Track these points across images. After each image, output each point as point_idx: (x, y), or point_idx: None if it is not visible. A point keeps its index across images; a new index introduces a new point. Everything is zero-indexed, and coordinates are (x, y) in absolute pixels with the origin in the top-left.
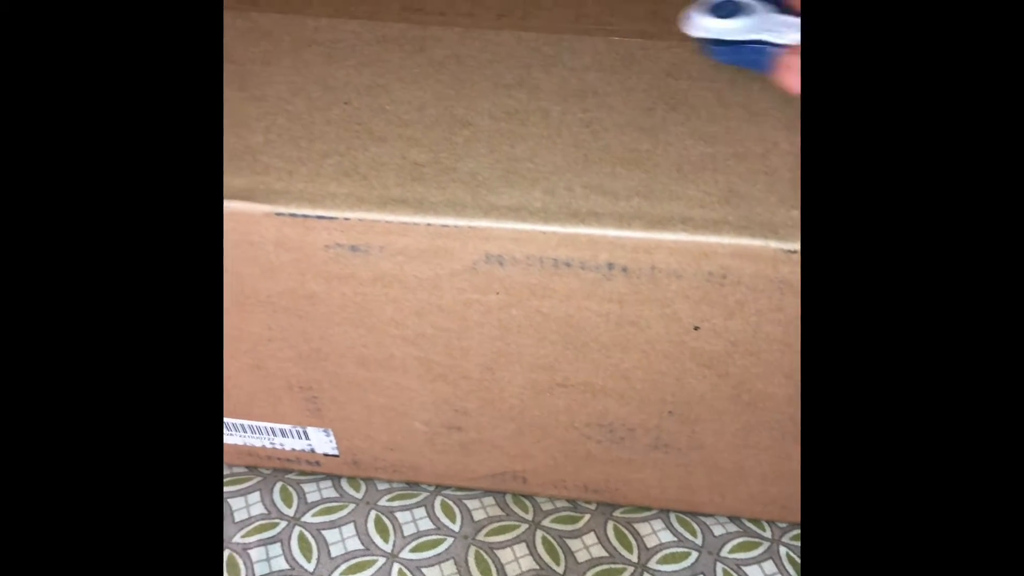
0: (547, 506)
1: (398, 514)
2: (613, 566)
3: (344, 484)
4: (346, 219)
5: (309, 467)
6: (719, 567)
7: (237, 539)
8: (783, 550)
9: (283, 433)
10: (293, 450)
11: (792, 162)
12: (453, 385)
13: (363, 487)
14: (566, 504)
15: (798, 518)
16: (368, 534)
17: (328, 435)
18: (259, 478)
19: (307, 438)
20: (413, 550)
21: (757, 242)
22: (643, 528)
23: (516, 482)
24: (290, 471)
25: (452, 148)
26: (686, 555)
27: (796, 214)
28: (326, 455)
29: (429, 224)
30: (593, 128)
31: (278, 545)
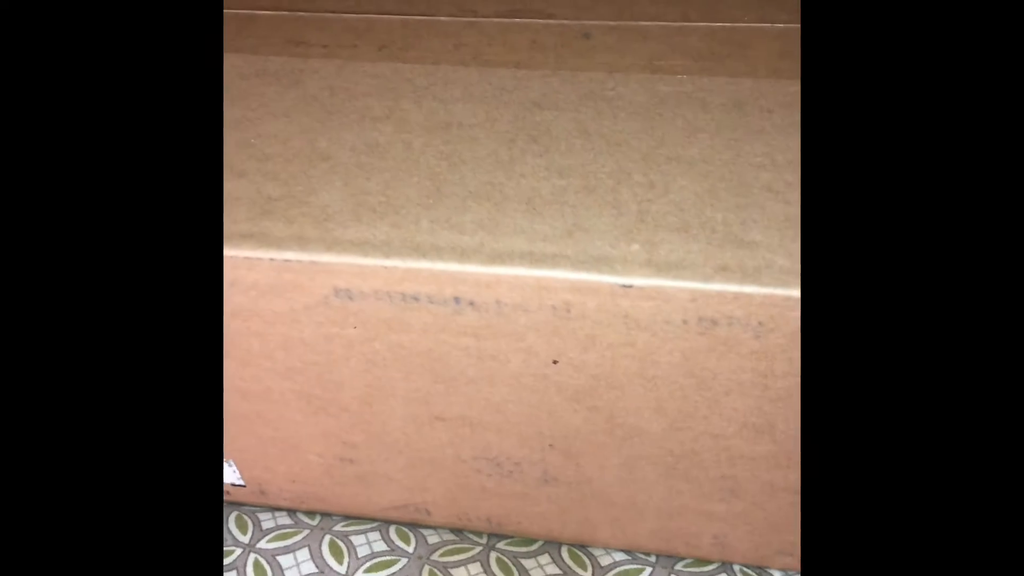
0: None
1: (352, 537)
2: None
3: (299, 513)
4: None
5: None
6: None
7: None
8: (736, 566)
9: None
10: None
11: (642, 194)
12: (335, 418)
13: (318, 515)
14: None
15: (703, 554)
16: (323, 557)
17: (231, 465)
18: None
19: None
20: (367, 571)
21: (592, 277)
22: (597, 549)
23: (420, 514)
24: (243, 503)
25: (308, 182)
26: (639, 571)
27: (636, 248)
28: (233, 485)
29: (272, 259)
30: (451, 160)
31: (233, 572)
